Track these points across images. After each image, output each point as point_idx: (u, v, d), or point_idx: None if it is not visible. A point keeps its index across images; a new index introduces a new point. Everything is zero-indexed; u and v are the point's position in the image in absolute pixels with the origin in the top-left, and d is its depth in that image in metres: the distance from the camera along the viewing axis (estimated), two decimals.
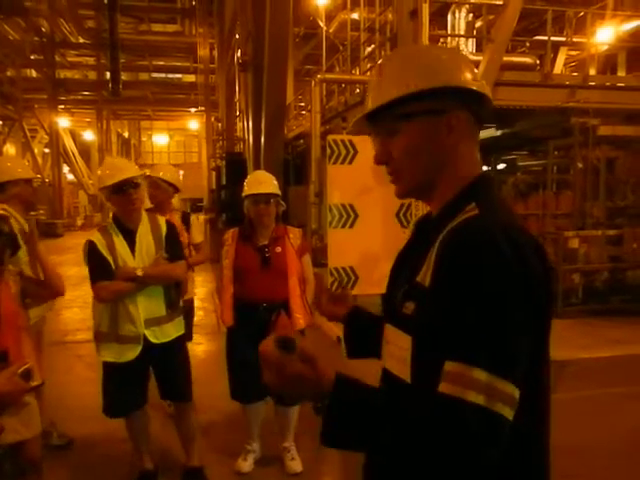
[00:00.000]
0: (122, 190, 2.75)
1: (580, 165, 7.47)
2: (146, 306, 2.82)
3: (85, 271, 2.87)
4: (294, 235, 3.22)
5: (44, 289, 2.56)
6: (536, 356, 0.98)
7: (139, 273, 2.75)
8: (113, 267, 2.76)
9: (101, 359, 2.87)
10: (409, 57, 1.14)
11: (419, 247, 1.09)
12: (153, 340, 2.84)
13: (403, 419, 0.91)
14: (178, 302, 3.05)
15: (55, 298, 2.95)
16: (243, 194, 3.16)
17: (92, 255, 2.78)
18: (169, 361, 2.95)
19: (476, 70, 1.14)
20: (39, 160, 25.14)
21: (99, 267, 2.75)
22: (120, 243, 2.80)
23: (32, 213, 3.62)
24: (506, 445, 0.90)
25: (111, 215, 2.95)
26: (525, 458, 1.02)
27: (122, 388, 2.87)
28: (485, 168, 11.55)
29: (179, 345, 3.01)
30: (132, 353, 2.80)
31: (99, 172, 2.94)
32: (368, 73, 10.58)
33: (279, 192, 3.19)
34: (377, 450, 0.97)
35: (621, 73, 11.42)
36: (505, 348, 0.91)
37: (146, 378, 2.96)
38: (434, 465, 0.92)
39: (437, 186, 1.11)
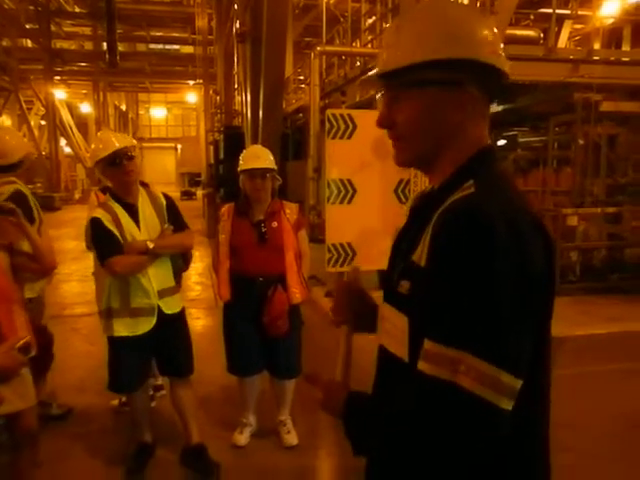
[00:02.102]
0: (116, 162, 2.71)
1: (581, 142, 7.39)
2: (157, 277, 2.80)
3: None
4: (290, 210, 3.19)
5: (35, 263, 2.52)
6: (536, 338, 0.95)
7: (150, 245, 2.72)
8: (121, 241, 2.70)
9: (115, 334, 2.79)
10: (431, 19, 1.05)
11: (417, 224, 1.06)
12: (166, 311, 2.84)
13: (398, 412, 0.96)
14: (182, 273, 3.05)
15: (47, 275, 2.89)
16: (239, 169, 3.13)
17: (98, 231, 2.70)
18: (177, 332, 2.95)
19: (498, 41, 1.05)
20: (35, 132, 24.88)
21: (108, 242, 2.68)
22: (124, 217, 2.74)
23: (29, 186, 3.57)
24: (506, 433, 0.89)
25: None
26: (523, 440, 0.99)
27: (131, 363, 2.86)
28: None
29: (183, 316, 3.02)
30: (147, 325, 2.79)
31: (92, 146, 2.88)
32: (369, 45, 10.40)
33: (275, 167, 3.16)
34: (384, 449, 1.01)
35: (626, 47, 11.25)
36: (499, 335, 0.88)
37: (153, 352, 2.95)
38: (426, 453, 0.92)
39: (438, 160, 1.07)
